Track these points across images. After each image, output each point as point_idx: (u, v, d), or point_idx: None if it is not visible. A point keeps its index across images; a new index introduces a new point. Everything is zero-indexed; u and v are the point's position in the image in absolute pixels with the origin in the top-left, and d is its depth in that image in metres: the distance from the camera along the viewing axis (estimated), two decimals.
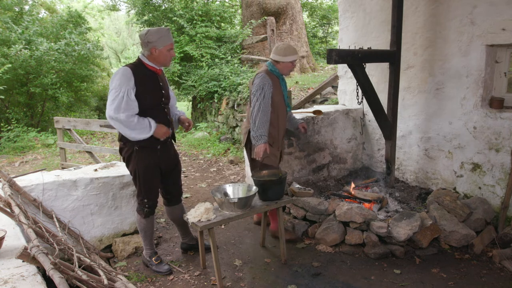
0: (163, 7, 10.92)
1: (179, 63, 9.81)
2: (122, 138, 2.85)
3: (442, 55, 3.81)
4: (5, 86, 8.97)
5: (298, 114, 4.29)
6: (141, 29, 11.53)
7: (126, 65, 2.77)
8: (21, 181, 3.09)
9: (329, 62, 3.16)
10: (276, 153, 3.46)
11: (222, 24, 11.25)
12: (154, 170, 2.92)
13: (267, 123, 3.24)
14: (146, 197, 2.95)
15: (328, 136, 4.52)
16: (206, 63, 9.41)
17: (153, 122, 2.80)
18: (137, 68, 2.77)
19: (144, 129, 2.74)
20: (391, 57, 3.65)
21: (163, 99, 2.91)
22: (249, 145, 3.43)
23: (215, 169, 6.30)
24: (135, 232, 3.57)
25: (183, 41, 9.77)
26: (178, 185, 3.20)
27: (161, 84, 2.90)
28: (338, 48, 4.14)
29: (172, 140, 3.10)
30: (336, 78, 6.35)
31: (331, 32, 14.01)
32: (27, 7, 11.27)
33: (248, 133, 3.40)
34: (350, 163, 4.81)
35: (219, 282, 2.77)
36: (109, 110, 2.65)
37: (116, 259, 3.33)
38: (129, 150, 2.85)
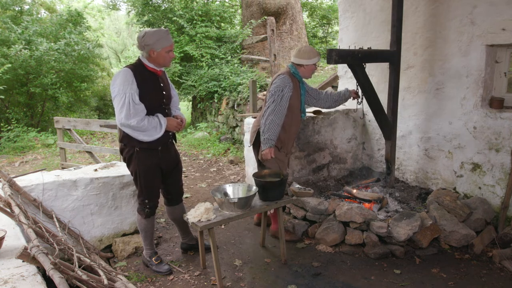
0: (163, 7, 10.92)
1: (179, 63, 9.81)
2: (123, 139, 2.84)
3: (442, 55, 3.81)
4: (5, 86, 8.97)
5: None
6: (141, 29, 11.53)
7: (127, 66, 2.76)
8: (21, 181, 3.09)
9: (329, 62, 3.16)
10: (283, 158, 3.44)
11: (222, 24, 11.25)
12: (155, 171, 2.91)
13: (278, 126, 3.19)
14: (147, 197, 2.94)
15: (328, 136, 4.52)
16: (206, 63, 9.41)
17: (162, 119, 2.82)
18: (138, 69, 2.75)
19: (155, 129, 2.76)
20: (391, 57, 3.65)
21: (164, 100, 2.90)
22: (257, 145, 3.41)
23: (215, 169, 6.30)
24: (135, 232, 3.57)
25: (183, 41, 9.77)
26: (179, 185, 3.20)
27: (161, 85, 2.89)
28: (338, 48, 4.14)
29: (173, 140, 3.10)
30: (336, 78, 6.35)
31: (331, 32, 14.01)
32: (26, 7, 11.27)
33: (257, 132, 3.38)
34: (350, 163, 4.81)
35: (219, 282, 2.77)
36: (120, 118, 2.66)
37: (116, 259, 3.33)
38: (129, 151, 2.84)
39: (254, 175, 3.10)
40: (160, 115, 2.83)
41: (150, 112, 2.78)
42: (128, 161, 2.90)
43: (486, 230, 3.35)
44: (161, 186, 3.08)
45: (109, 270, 2.55)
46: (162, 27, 10.29)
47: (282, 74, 3.29)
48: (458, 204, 3.46)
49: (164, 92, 2.90)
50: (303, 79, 3.46)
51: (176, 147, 3.17)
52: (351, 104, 4.85)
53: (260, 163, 3.47)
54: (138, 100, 2.68)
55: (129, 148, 2.83)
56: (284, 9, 10.17)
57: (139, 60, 2.81)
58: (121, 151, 2.93)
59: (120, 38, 26.86)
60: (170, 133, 3.00)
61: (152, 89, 2.80)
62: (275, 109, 3.17)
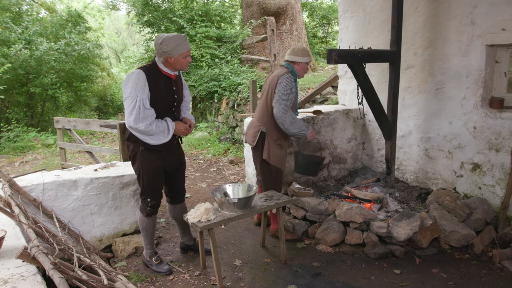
0: (163, 7, 10.92)
1: None
2: (129, 138, 2.86)
3: (442, 55, 3.81)
4: (5, 86, 8.98)
5: (299, 114, 4.28)
6: (141, 29, 11.53)
7: (140, 68, 2.75)
8: (21, 181, 3.09)
9: (329, 62, 3.16)
10: (284, 156, 3.50)
11: (222, 24, 11.25)
12: (159, 171, 2.92)
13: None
14: (149, 196, 2.95)
15: (328, 136, 4.52)
16: (206, 63, 9.41)
17: (171, 123, 2.83)
18: (151, 71, 2.75)
19: (162, 133, 2.79)
20: (391, 57, 3.65)
21: (174, 103, 2.91)
22: (260, 146, 3.40)
23: (215, 169, 6.30)
24: (135, 232, 3.57)
25: None
26: (182, 184, 3.20)
27: (174, 88, 2.88)
28: (338, 48, 4.14)
29: (179, 140, 3.10)
30: (336, 78, 6.35)
31: (331, 32, 14.00)
32: (25, 7, 11.26)
33: (259, 133, 3.37)
34: (350, 163, 4.81)
35: (219, 282, 2.77)
36: (129, 121, 2.68)
37: (116, 259, 3.33)
38: (134, 149, 2.86)
39: (299, 152, 3.65)
40: (168, 120, 2.83)
41: (160, 115, 2.79)
42: (132, 159, 2.92)
43: (486, 230, 3.35)
44: (164, 184, 3.09)
45: (109, 270, 2.55)
46: (162, 27, 10.33)
47: (286, 73, 3.30)
48: (458, 204, 3.46)
49: (175, 96, 2.90)
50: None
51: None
52: (351, 104, 4.87)
53: (265, 165, 3.43)
54: (148, 105, 2.69)
55: (134, 146, 2.85)
56: (284, 9, 10.16)
57: (154, 63, 2.80)
58: (127, 149, 2.95)
59: (120, 38, 26.88)
60: (177, 136, 3.00)
61: (163, 92, 2.80)
62: (287, 107, 3.24)
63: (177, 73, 2.90)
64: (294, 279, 2.93)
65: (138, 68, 2.75)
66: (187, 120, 3.05)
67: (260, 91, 7.51)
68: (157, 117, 2.77)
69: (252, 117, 4.49)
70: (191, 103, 3.23)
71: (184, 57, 2.76)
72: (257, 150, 3.45)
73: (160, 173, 2.94)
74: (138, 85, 2.65)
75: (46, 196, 3.10)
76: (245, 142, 3.65)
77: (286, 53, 3.47)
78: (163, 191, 3.14)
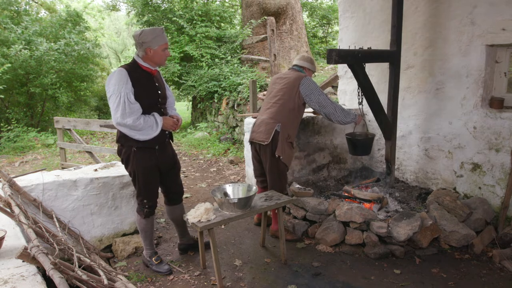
0: (163, 8, 10.92)
1: (179, 63, 9.80)
2: (119, 139, 2.84)
3: (442, 55, 3.81)
4: (5, 86, 8.98)
5: None
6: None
7: (122, 66, 2.77)
8: (21, 181, 3.09)
9: (329, 62, 3.16)
10: (293, 155, 3.60)
11: (222, 24, 11.25)
12: (153, 171, 2.91)
13: (339, 107, 3.48)
14: (145, 197, 2.94)
15: (328, 136, 4.52)
16: (206, 63, 9.41)
17: (158, 118, 2.83)
18: (132, 69, 2.76)
19: (151, 128, 2.79)
20: (391, 57, 3.65)
21: (159, 99, 2.91)
22: (272, 143, 3.39)
23: (215, 169, 6.30)
24: (135, 232, 3.57)
25: (183, 41, 9.77)
26: (178, 184, 3.20)
27: (157, 84, 2.90)
28: (338, 48, 4.14)
29: (170, 140, 3.10)
30: (336, 78, 6.35)
31: (331, 32, 14.00)
32: (23, 7, 11.26)
33: (273, 130, 3.37)
34: (350, 163, 4.81)
35: (219, 282, 2.77)
36: (116, 117, 2.67)
37: (116, 259, 3.33)
38: (127, 151, 2.84)
39: (353, 136, 3.84)
40: (156, 114, 2.84)
41: (146, 111, 2.79)
42: (125, 162, 2.90)
43: (486, 230, 3.35)
44: (160, 185, 3.08)
45: (109, 270, 2.55)
46: (162, 27, 10.36)
47: (306, 76, 3.47)
48: (458, 204, 3.46)
49: (159, 92, 2.91)
50: None
51: (176, 147, 3.18)
52: (351, 104, 4.87)
53: (275, 162, 3.43)
54: (133, 99, 2.69)
55: (127, 148, 2.84)
56: (284, 9, 10.17)
57: (133, 60, 2.83)
58: (119, 152, 2.92)
59: (120, 38, 26.87)
60: (167, 132, 3.00)
61: (147, 88, 2.81)
62: (333, 104, 3.45)
63: (157, 68, 2.92)
64: (294, 279, 2.93)
65: (118, 67, 2.77)
66: (174, 116, 3.05)
67: (260, 91, 7.51)
68: (144, 114, 2.77)
69: (252, 117, 4.50)
70: (175, 102, 3.24)
71: (163, 50, 2.78)
72: (268, 147, 3.41)
73: (154, 173, 2.93)
74: (120, 82, 2.65)
75: (46, 196, 3.10)
76: (252, 140, 3.56)
77: (295, 58, 3.64)
78: (161, 192, 3.14)
